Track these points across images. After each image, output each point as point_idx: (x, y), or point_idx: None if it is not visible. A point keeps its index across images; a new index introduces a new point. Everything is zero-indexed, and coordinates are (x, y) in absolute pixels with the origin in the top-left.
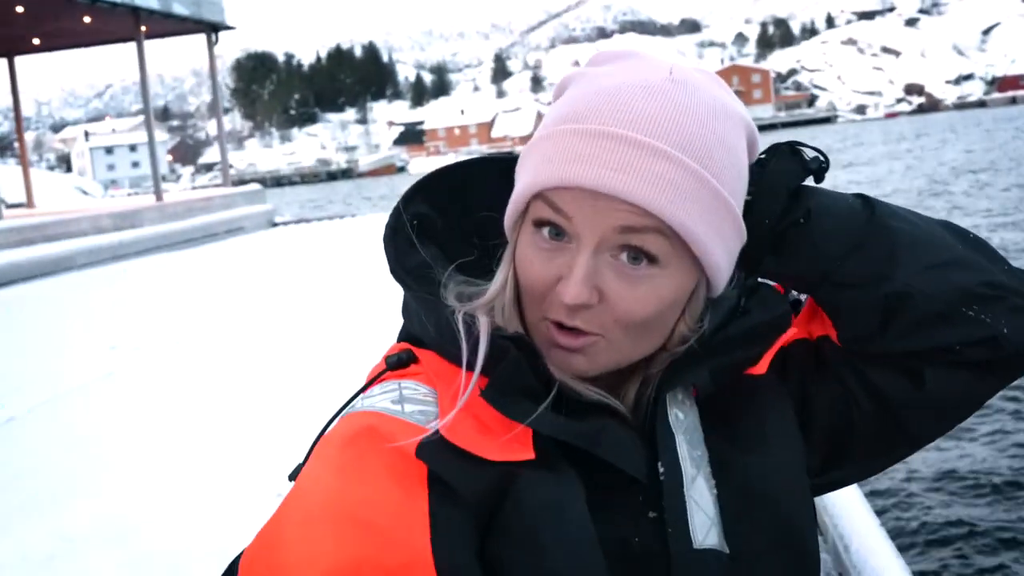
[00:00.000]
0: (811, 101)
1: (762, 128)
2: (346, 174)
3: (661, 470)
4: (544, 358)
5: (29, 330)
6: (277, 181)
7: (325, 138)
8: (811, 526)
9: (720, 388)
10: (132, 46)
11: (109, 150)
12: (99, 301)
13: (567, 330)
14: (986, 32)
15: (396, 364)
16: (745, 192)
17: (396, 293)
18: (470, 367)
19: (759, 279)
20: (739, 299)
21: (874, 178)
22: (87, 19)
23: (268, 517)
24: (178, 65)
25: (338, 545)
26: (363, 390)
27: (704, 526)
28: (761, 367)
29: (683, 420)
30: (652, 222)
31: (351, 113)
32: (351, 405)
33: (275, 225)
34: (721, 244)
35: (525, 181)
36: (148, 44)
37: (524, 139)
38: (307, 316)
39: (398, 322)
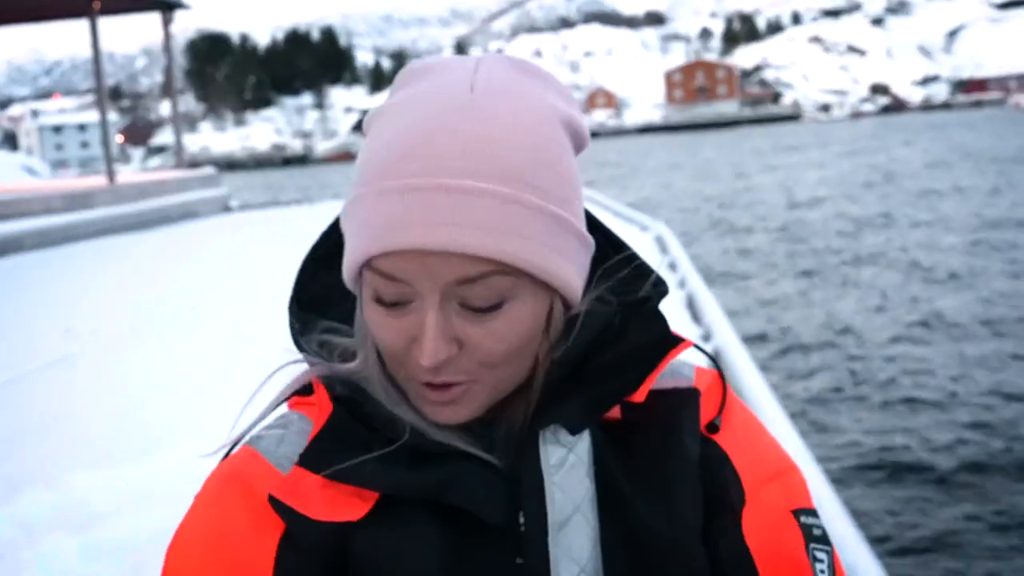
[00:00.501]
0: (776, 98)
1: (727, 124)
2: (302, 160)
3: (521, 520)
4: (421, 410)
5: None
6: (230, 165)
7: (280, 123)
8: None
9: (628, 417)
10: (85, 23)
11: (57, 129)
12: (52, 283)
13: (436, 386)
14: (952, 34)
15: (301, 390)
16: (581, 195)
17: None
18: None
19: (643, 296)
20: (615, 316)
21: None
22: None
23: None
24: (129, 43)
25: None
26: (274, 406)
27: (571, 574)
28: (639, 395)
29: (561, 459)
30: (488, 267)
31: (307, 98)
32: (248, 434)
33: (229, 210)
34: (566, 261)
35: (351, 249)
36: (101, 21)
37: None
38: (266, 303)
39: None
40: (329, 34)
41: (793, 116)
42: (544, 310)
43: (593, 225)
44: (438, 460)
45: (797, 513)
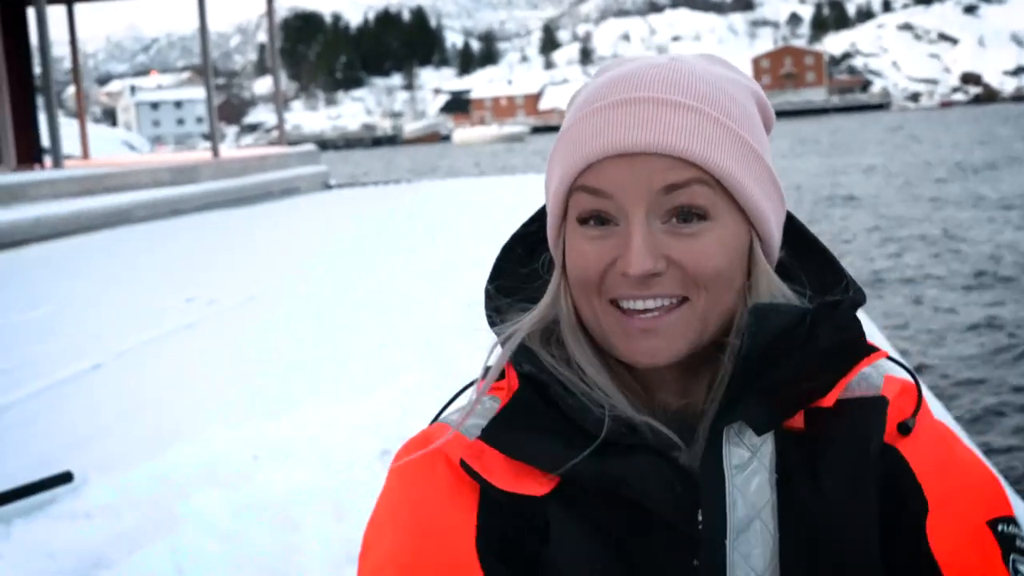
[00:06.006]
0: (865, 86)
1: (814, 112)
2: (391, 140)
3: (700, 519)
4: (616, 350)
5: (101, 281)
6: (322, 144)
7: (370, 103)
8: None
9: (812, 426)
10: None
11: (155, 106)
12: (166, 254)
13: (639, 313)
14: None
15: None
16: (769, 153)
17: (449, 258)
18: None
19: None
20: (804, 317)
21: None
22: None
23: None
24: (222, 22)
25: (395, 542)
26: (468, 387)
27: None
28: (827, 401)
29: (744, 461)
30: (693, 173)
31: (397, 79)
32: (443, 412)
33: (329, 187)
34: (760, 190)
35: (557, 179)
36: None
37: None
38: (370, 276)
39: (450, 286)
40: (419, 15)
41: (882, 105)
42: (743, 243)
43: (791, 226)
44: (619, 449)
45: (993, 523)
